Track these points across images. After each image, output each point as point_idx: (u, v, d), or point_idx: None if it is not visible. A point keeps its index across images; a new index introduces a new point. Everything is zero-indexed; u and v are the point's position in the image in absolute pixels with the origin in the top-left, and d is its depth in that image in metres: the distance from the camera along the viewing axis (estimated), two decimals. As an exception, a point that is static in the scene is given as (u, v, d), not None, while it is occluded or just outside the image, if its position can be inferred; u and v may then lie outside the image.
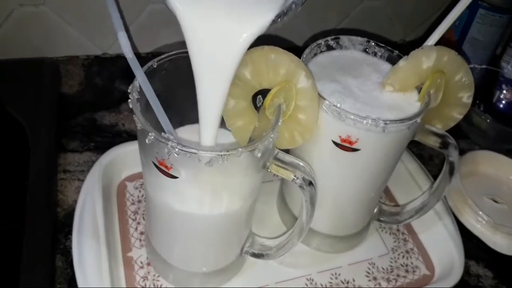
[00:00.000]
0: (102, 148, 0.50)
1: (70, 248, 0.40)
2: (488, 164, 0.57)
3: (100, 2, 0.58)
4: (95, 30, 0.61)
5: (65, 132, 0.52)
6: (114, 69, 0.63)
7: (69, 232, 0.41)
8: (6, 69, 0.56)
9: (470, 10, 0.66)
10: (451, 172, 0.39)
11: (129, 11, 0.60)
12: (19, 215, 0.41)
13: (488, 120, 0.60)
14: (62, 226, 0.43)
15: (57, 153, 0.50)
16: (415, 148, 0.58)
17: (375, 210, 0.45)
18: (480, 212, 0.49)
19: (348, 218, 0.43)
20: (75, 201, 0.42)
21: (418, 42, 0.39)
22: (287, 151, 0.37)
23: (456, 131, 0.40)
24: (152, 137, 0.29)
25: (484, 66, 0.66)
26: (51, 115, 0.52)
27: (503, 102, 0.65)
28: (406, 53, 0.38)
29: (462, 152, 0.56)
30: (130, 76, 0.33)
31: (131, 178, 0.47)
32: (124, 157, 0.47)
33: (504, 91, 0.65)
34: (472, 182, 0.55)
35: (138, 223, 0.44)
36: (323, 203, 0.41)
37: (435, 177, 0.42)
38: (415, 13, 0.75)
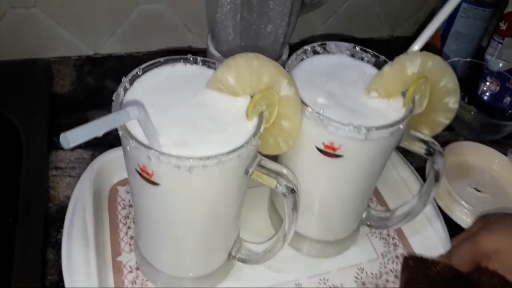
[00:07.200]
0: (92, 145, 0.51)
1: (61, 241, 0.40)
2: (472, 154, 0.58)
3: (90, 4, 0.59)
4: (86, 31, 0.63)
5: (57, 131, 0.53)
6: (105, 69, 0.64)
7: (60, 226, 0.42)
8: (-1, 70, 0.58)
9: (454, 5, 0.67)
10: (437, 178, 0.39)
11: (120, 12, 0.61)
12: (12, 210, 0.42)
13: (472, 113, 0.61)
14: (53, 220, 0.45)
15: (49, 151, 0.51)
16: (411, 153, 0.58)
17: (364, 215, 0.46)
18: (463, 202, 0.50)
19: (335, 223, 0.44)
20: (66, 197, 0.44)
21: (406, 39, 0.39)
22: (275, 157, 0.37)
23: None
24: (133, 144, 0.29)
25: (468, 59, 0.67)
26: (43, 114, 0.54)
27: (487, 94, 0.67)
28: (394, 49, 0.39)
29: (446, 143, 0.57)
30: (120, 75, 0.34)
31: (123, 183, 0.48)
32: (116, 162, 0.47)
33: (488, 83, 0.67)
34: (455, 172, 0.55)
35: (129, 227, 0.44)
36: (310, 208, 0.41)
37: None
38: (402, 8, 0.74)
